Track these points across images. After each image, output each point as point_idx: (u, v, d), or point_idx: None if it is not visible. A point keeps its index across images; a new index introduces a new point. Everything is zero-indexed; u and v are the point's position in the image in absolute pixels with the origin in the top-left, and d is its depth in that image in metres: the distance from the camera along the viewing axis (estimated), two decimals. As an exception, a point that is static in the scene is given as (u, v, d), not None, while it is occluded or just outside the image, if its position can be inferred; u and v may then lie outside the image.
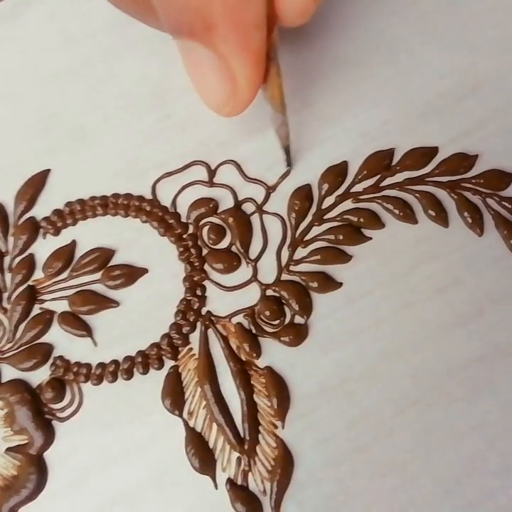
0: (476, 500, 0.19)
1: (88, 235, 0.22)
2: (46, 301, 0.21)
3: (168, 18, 0.15)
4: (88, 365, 0.21)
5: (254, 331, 0.20)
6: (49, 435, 0.20)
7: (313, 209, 0.21)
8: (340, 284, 0.21)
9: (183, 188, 0.22)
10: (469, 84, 0.22)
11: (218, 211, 0.22)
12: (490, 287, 0.20)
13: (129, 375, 0.20)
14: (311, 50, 0.23)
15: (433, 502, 0.19)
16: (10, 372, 0.21)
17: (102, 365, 0.21)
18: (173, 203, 0.22)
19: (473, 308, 0.20)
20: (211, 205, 0.22)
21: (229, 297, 0.21)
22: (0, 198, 0.22)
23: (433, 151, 0.21)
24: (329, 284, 0.21)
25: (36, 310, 0.21)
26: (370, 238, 0.21)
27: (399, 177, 0.21)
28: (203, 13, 0.14)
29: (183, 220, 0.22)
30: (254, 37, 0.15)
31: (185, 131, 0.22)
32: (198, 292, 0.21)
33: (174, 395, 0.20)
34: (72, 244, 0.22)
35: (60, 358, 0.21)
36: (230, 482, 0.19)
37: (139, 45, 0.23)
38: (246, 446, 0.20)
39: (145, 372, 0.20)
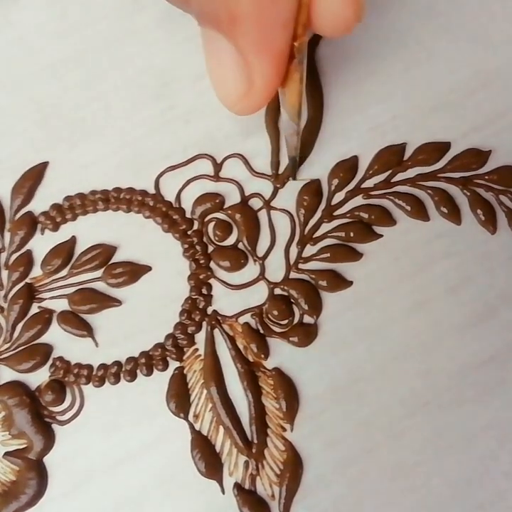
0: (488, 502, 0.19)
1: (89, 230, 0.21)
2: (45, 299, 0.21)
3: (197, 4, 0.14)
4: (89, 367, 0.20)
5: (261, 331, 0.20)
6: (49, 439, 0.19)
7: (323, 205, 0.21)
8: (350, 283, 0.20)
9: (188, 182, 0.21)
10: (481, 78, 0.22)
11: (224, 207, 0.21)
12: (503, 286, 0.20)
13: (132, 376, 0.20)
14: (321, 43, 0.22)
15: (444, 503, 0.19)
16: (8, 374, 0.20)
17: (103, 367, 0.20)
18: (178, 197, 0.21)
19: (486, 308, 0.20)
20: (217, 201, 0.21)
21: (236, 296, 0.20)
22: (-5, 191, 0.21)
23: (445, 146, 0.21)
24: (339, 282, 0.20)
25: (35, 309, 0.20)
26: (381, 235, 0.20)
27: (410, 173, 0.21)
28: (230, 4, 0.13)
29: (188, 215, 0.21)
30: (278, 37, 0.14)
31: (189, 123, 0.22)
32: (204, 291, 0.20)
33: (179, 397, 0.19)
34: (72, 241, 0.21)
35: (60, 358, 0.20)
36: (238, 486, 0.19)
37: (142, 34, 0.22)
38: (254, 450, 0.19)
39: (149, 373, 0.20)
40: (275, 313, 0.20)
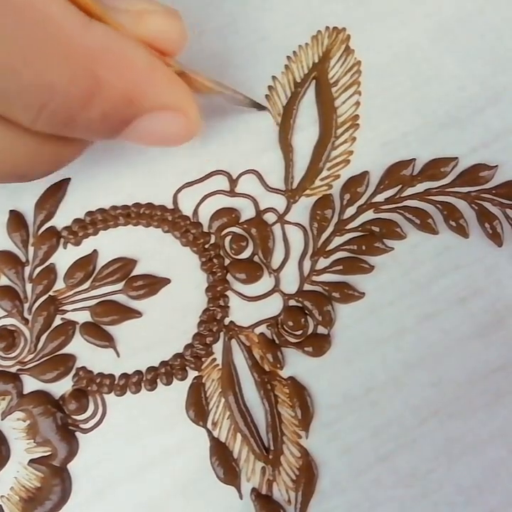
0: (499, 508, 0.19)
1: (110, 244, 0.22)
2: (68, 311, 0.21)
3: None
4: (111, 376, 0.21)
5: (277, 342, 0.21)
6: (73, 446, 0.20)
7: (335, 219, 0.22)
8: (362, 294, 0.21)
9: (205, 197, 0.22)
10: (488, 95, 0.22)
11: (240, 221, 0.22)
12: (510, 297, 0.21)
13: (152, 385, 0.20)
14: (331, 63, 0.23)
15: (456, 510, 0.19)
16: (32, 384, 0.21)
17: (125, 376, 0.21)
18: (195, 212, 0.22)
19: (494, 318, 0.20)
20: (233, 215, 0.22)
21: (252, 307, 0.21)
22: (20, 206, 0.22)
23: (453, 161, 0.22)
24: (351, 294, 0.21)
25: (58, 320, 0.21)
26: (392, 248, 0.21)
27: (420, 187, 0.22)
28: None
29: (205, 230, 0.22)
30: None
31: (205, 140, 0.22)
32: (221, 302, 0.21)
33: (198, 405, 0.20)
34: (94, 255, 0.22)
35: (83, 368, 0.21)
36: (255, 492, 0.20)
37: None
38: (270, 456, 0.20)
39: (169, 382, 0.20)
40: (290, 324, 0.21)
